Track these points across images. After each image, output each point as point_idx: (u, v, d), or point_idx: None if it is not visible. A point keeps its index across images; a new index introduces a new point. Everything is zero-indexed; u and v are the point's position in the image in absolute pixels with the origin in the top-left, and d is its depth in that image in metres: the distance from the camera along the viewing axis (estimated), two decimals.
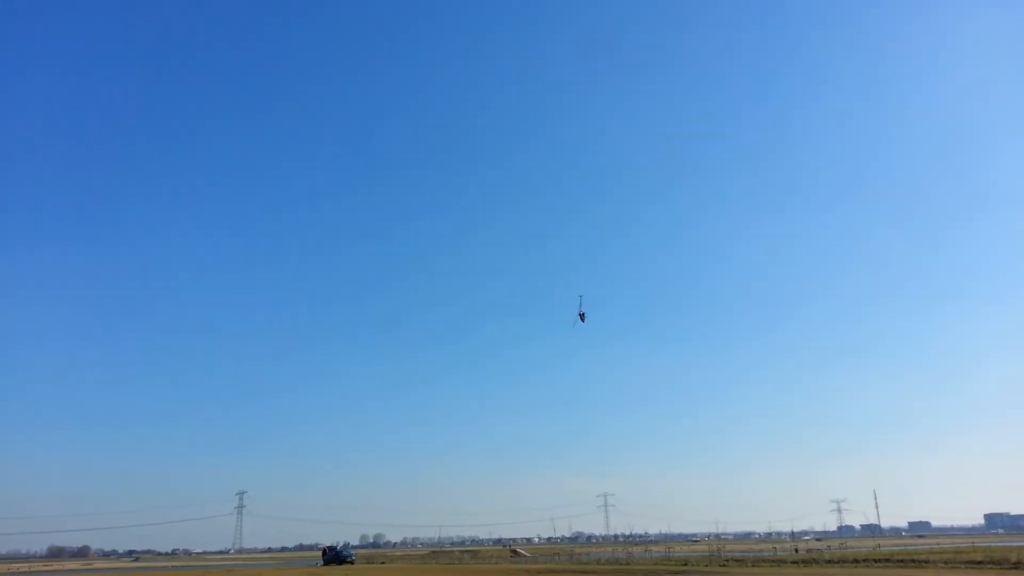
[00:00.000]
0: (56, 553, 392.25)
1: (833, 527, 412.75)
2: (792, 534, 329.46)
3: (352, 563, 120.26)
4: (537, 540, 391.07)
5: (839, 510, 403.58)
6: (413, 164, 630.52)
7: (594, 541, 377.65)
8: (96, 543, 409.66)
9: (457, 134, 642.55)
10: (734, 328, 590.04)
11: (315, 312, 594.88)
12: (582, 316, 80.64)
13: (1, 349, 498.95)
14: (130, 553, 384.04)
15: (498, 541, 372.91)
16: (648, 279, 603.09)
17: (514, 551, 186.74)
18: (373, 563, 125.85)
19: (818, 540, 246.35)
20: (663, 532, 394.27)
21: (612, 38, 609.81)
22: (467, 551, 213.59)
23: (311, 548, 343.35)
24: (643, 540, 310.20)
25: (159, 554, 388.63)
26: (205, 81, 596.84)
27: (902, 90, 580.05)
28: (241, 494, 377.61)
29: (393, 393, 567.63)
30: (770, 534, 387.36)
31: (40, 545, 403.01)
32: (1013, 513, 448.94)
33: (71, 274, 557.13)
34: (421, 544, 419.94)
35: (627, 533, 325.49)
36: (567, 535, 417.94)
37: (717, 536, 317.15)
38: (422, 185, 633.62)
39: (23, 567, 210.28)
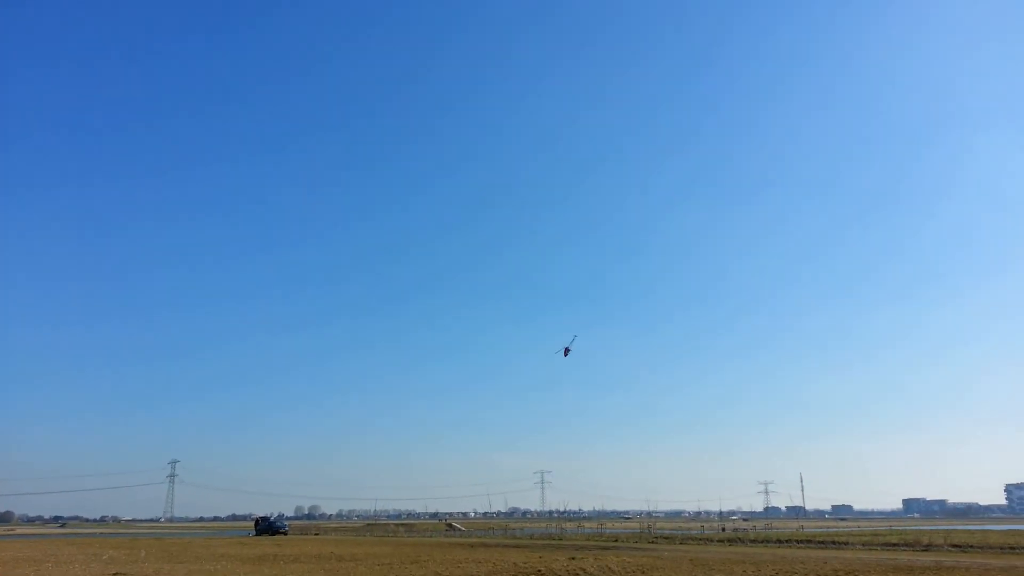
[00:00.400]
0: None
1: (760, 508, 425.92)
2: (720, 514, 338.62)
3: (285, 534, 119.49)
4: (473, 515, 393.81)
5: (766, 492, 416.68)
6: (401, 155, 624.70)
7: (529, 516, 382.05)
8: (20, 508, 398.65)
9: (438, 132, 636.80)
10: (670, 316, 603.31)
11: (251, 289, 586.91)
12: (566, 351, 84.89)
13: None
14: (56, 519, 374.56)
15: (434, 515, 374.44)
16: (613, 268, 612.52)
17: (450, 525, 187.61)
18: (307, 535, 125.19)
19: (745, 520, 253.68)
20: (597, 509, 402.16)
21: (584, 36, 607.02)
22: (402, 524, 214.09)
23: (245, 519, 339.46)
24: (577, 516, 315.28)
25: (87, 521, 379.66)
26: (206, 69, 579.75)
27: (872, 83, 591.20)
28: (174, 463, 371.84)
29: (332, 368, 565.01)
30: (699, 513, 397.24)
31: None
32: (928, 499, 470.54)
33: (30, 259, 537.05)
34: (357, 517, 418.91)
35: (562, 509, 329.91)
36: (503, 510, 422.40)
37: (648, 514, 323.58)
38: (404, 173, 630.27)
39: None
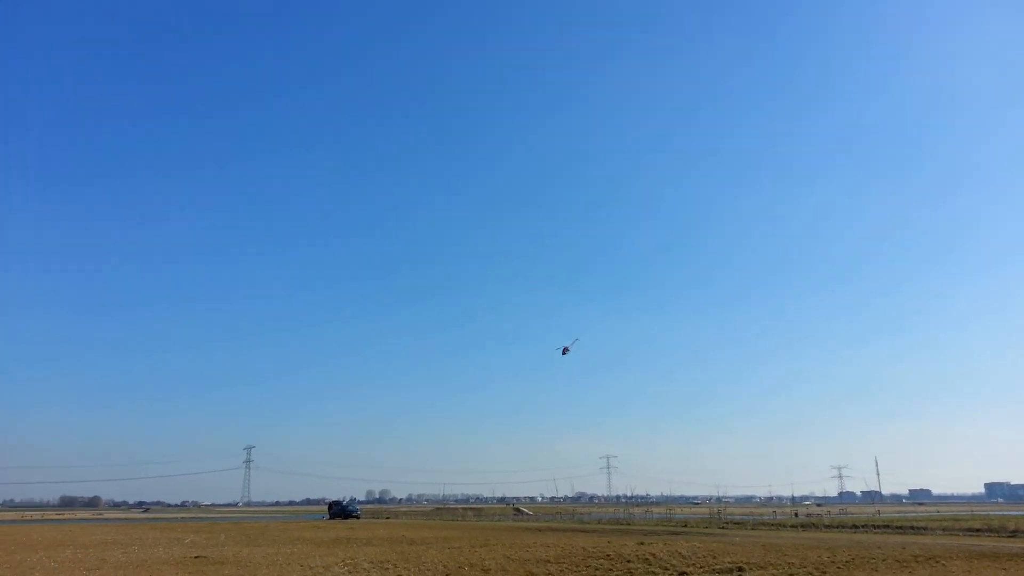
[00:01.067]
0: (68, 502, 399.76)
1: (834, 493, 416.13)
2: (792, 499, 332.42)
3: (358, 518, 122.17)
4: (540, 499, 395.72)
5: (840, 476, 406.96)
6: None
7: (596, 501, 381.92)
8: (107, 494, 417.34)
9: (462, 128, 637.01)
10: (739, 297, 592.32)
11: (322, 280, 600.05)
12: (565, 350, 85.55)
13: (19, 314, 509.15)
14: (140, 504, 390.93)
15: (502, 500, 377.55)
16: (675, 251, 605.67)
17: (517, 509, 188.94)
18: (378, 518, 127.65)
19: (818, 505, 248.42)
20: (664, 494, 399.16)
21: (638, 18, 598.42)
22: (471, 508, 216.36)
23: (318, 503, 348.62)
24: (644, 502, 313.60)
25: (168, 506, 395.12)
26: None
27: (944, 56, 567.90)
28: (249, 448, 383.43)
29: (397, 352, 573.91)
30: (770, 499, 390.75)
31: (52, 494, 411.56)
32: (1013, 483, 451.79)
33: (93, 246, 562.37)
34: (426, 501, 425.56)
35: (628, 495, 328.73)
36: (570, 495, 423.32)
37: (718, 500, 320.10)
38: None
39: (36, 515, 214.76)
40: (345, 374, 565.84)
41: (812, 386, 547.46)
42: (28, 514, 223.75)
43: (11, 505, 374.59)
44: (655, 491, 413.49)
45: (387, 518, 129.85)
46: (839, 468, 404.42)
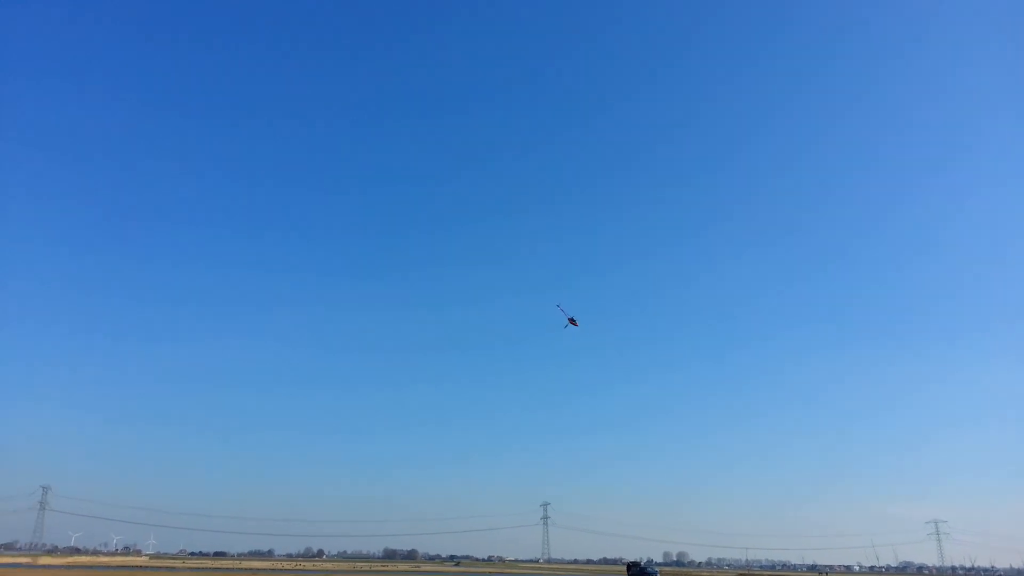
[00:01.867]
0: (390, 555, 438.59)
1: None
2: None
3: None
4: (858, 568, 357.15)
5: None
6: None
7: (926, 572, 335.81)
8: (423, 547, 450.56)
9: None
10: None
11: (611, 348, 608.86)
12: (573, 321, 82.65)
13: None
14: (451, 557, 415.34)
15: (812, 567, 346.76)
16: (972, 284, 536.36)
17: None
18: None
19: None
20: (1015, 566, 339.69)
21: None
22: None
23: (615, 562, 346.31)
24: (990, 574, 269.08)
25: (476, 559, 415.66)
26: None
27: None
28: (545, 505, 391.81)
29: (706, 417, 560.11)
30: None
31: (377, 547, 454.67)
32: None
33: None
34: (727, 565, 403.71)
35: (968, 566, 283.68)
36: (893, 564, 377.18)
37: None
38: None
39: (364, 566, 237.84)
40: (642, 434, 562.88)
41: None
42: (359, 565, 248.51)
43: (343, 556, 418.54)
44: (1002, 561, 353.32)
45: None
46: None
